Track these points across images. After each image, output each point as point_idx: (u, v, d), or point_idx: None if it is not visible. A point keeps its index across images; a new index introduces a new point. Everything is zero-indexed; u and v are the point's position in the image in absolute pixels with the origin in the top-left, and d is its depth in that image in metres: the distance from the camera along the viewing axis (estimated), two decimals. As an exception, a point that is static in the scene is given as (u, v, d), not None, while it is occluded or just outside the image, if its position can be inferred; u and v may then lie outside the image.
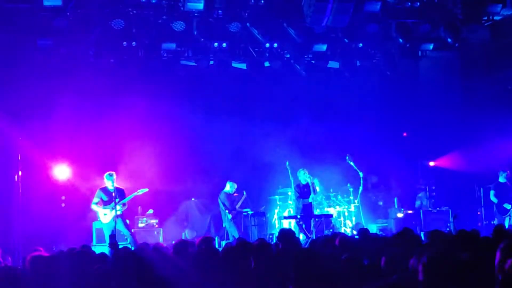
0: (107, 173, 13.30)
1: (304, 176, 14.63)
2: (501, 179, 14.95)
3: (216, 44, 14.53)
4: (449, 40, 14.86)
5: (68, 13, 13.14)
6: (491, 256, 5.81)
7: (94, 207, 13.41)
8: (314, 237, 12.96)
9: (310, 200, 14.53)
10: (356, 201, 15.81)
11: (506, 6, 14.22)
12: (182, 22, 13.77)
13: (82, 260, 6.22)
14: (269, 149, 15.83)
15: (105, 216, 13.26)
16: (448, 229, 14.67)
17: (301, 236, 13.65)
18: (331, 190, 16.25)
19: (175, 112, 15.53)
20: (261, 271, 6.19)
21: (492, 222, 15.28)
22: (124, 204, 13.31)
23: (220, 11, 13.85)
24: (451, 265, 5.54)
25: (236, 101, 16.63)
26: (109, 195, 13.22)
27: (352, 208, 15.82)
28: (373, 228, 15.55)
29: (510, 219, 14.63)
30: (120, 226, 13.23)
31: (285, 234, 7.86)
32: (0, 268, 6.08)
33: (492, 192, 14.98)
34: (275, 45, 15.04)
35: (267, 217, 15.96)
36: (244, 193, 15.72)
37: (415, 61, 16.41)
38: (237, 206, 15.49)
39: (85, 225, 14.50)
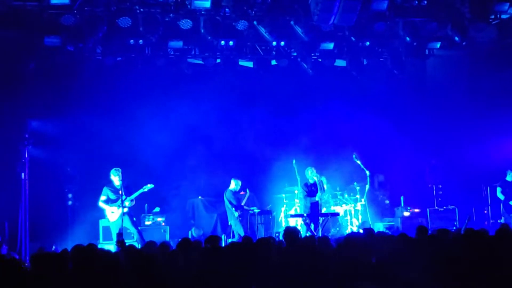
0: (114, 168, 13.25)
1: (311, 175, 14.62)
2: (509, 177, 14.92)
3: (223, 42, 14.46)
4: (457, 38, 14.83)
5: (75, 11, 13.18)
6: (496, 255, 5.80)
7: (101, 204, 13.39)
8: (320, 235, 12.96)
9: (317, 198, 14.52)
10: (362, 199, 15.80)
11: (513, 5, 14.18)
12: (189, 20, 13.77)
13: (88, 258, 6.23)
14: (276, 147, 15.83)
15: (112, 214, 13.22)
16: (454, 227, 14.65)
17: (308, 235, 13.65)
18: (338, 189, 16.24)
19: (181, 110, 15.54)
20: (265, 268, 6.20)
21: (499, 221, 15.24)
22: (132, 200, 13.28)
23: (227, 9, 13.87)
24: (457, 264, 5.52)
25: (243, 99, 16.61)
26: (116, 192, 13.19)
27: (359, 207, 15.80)
28: (380, 227, 15.53)
29: (517, 217, 14.60)
30: (127, 224, 13.21)
31: (290, 232, 7.88)
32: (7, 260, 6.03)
33: (498, 189, 14.96)
34: (282, 43, 14.98)
35: (273, 215, 15.95)
36: (247, 191, 15.70)
37: (422, 60, 16.37)
38: (243, 203, 15.48)
39: (92, 223, 14.49)
